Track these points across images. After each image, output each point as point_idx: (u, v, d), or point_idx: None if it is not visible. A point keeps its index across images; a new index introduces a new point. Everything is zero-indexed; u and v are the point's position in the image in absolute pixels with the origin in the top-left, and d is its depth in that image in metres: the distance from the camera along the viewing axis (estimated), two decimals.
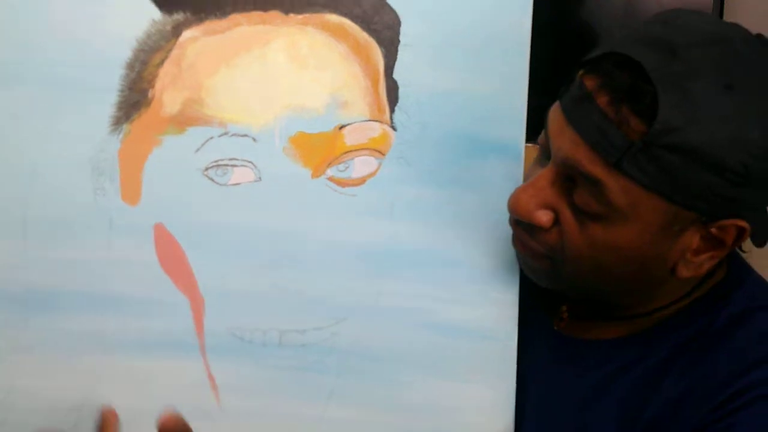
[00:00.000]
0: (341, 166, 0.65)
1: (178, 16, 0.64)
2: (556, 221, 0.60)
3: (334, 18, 0.65)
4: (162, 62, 0.64)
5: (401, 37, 0.65)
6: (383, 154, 0.65)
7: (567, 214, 0.59)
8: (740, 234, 0.60)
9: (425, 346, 0.66)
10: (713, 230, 0.59)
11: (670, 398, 0.64)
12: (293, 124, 0.65)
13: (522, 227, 0.62)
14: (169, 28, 0.64)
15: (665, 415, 0.64)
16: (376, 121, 0.65)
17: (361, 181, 0.66)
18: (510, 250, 0.65)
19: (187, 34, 0.64)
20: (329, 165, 0.65)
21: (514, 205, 0.61)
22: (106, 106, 0.64)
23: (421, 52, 0.64)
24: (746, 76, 0.56)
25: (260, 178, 0.65)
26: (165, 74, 0.64)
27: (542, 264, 0.63)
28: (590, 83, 0.56)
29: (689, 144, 0.54)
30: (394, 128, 0.65)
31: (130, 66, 0.65)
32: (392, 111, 0.65)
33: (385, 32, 0.65)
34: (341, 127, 0.65)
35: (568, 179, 0.59)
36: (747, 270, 0.68)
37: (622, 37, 0.58)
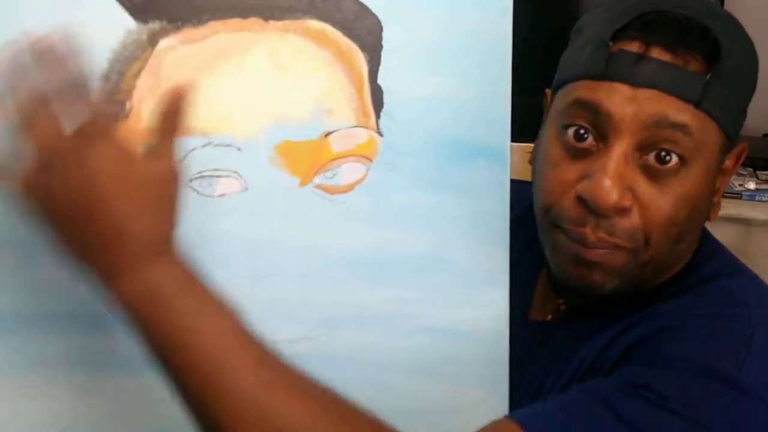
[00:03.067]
0: (328, 174, 0.64)
1: (154, 25, 0.61)
2: (633, 200, 0.59)
3: (315, 24, 0.63)
4: (139, 72, 0.61)
5: (384, 43, 0.63)
6: (370, 160, 0.64)
7: (645, 187, 0.59)
8: (740, 157, 0.64)
9: (418, 351, 0.64)
10: (726, 160, 0.62)
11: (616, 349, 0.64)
12: (278, 133, 0.62)
13: (601, 228, 0.59)
14: (144, 37, 0.61)
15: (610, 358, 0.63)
16: (362, 127, 0.63)
17: (349, 187, 0.64)
18: (499, 252, 0.65)
19: (163, 43, 0.62)
20: (316, 173, 0.63)
21: (599, 198, 0.57)
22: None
23: (405, 57, 0.63)
24: (728, 13, 0.63)
25: (246, 187, 0.62)
26: (143, 85, 0.61)
27: (619, 260, 0.60)
28: (633, 46, 0.58)
29: (742, 67, 0.60)
30: (380, 134, 0.64)
31: (106, 77, 0.61)
32: (378, 116, 0.64)
33: (368, 38, 0.63)
34: (327, 134, 0.63)
35: (641, 148, 0.58)
36: (718, 245, 0.69)
37: (633, 3, 0.60)
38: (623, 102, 0.58)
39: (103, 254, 0.51)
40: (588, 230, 0.60)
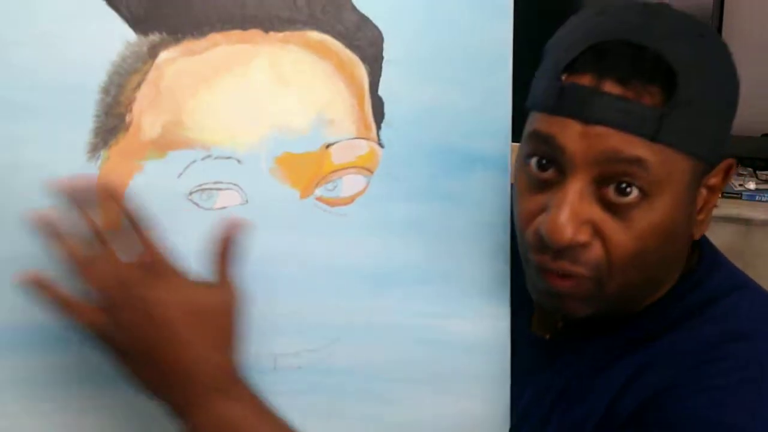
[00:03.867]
0: (329, 186, 0.63)
1: (154, 37, 0.61)
2: (593, 232, 0.57)
3: (315, 35, 0.63)
4: (139, 85, 0.61)
5: (385, 54, 0.63)
6: (372, 172, 0.63)
7: (605, 219, 0.57)
8: (728, 173, 0.62)
9: (420, 362, 0.63)
10: (709, 178, 0.61)
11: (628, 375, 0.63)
12: (279, 145, 0.62)
13: (563, 257, 0.58)
14: (145, 49, 0.61)
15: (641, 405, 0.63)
16: (363, 138, 0.63)
17: (351, 199, 0.63)
18: (500, 262, 0.65)
19: (164, 55, 0.61)
20: (317, 185, 0.63)
21: (554, 234, 0.56)
22: (82, 133, 0.61)
23: (406, 67, 0.62)
24: (701, 23, 0.61)
25: (247, 200, 0.62)
26: (143, 97, 0.61)
27: (586, 289, 0.59)
28: (585, 79, 0.56)
29: (705, 94, 0.57)
30: (381, 145, 0.63)
31: (106, 90, 0.61)
32: (379, 128, 0.63)
33: (369, 49, 0.63)
34: (328, 146, 0.63)
35: (599, 181, 0.57)
36: (718, 256, 0.68)
37: (584, 32, 0.59)
38: (575, 138, 0.56)
39: (173, 388, 0.54)
40: (549, 262, 0.59)
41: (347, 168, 0.62)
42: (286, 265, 0.62)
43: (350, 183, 0.63)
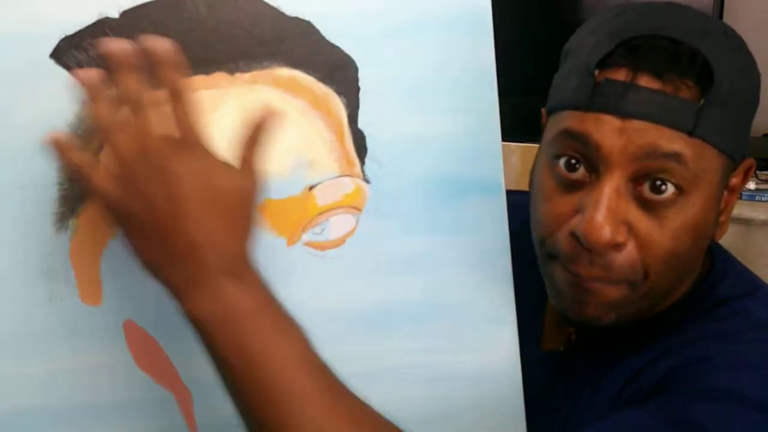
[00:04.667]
0: (317, 229, 0.60)
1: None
2: (628, 232, 0.56)
3: (285, 72, 0.58)
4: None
5: (361, 84, 0.59)
6: (360, 210, 0.59)
7: (640, 218, 0.56)
8: (748, 173, 0.61)
9: (430, 400, 0.60)
10: (732, 178, 0.59)
11: (649, 380, 0.62)
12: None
13: (597, 264, 0.56)
14: None
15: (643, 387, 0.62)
16: (347, 176, 0.59)
17: (341, 241, 0.60)
18: (503, 288, 0.62)
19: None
20: (304, 229, 0.59)
21: (592, 234, 0.54)
22: (47, 204, 0.57)
23: (385, 97, 0.58)
24: (721, 22, 0.60)
25: None
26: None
27: (617, 292, 0.58)
28: (620, 74, 0.55)
29: (737, 91, 0.56)
30: (367, 181, 0.60)
31: (76, 133, 0.57)
32: (363, 163, 0.59)
33: (344, 81, 0.58)
34: (311, 188, 0.59)
35: (634, 179, 0.55)
36: (730, 261, 0.66)
37: (613, 29, 0.57)
38: (612, 134, 0.54)
39: (180, 266, 0.49)
40: (581, 267, 0.57)
41: (334, 209, 0.59)
42: None
43: (338, 224, 0.59)
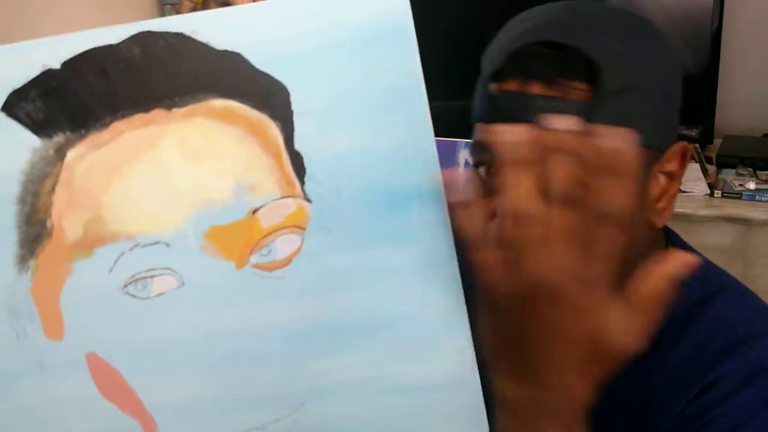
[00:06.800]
0: (264, 251, 0.61)
1: (59, 138, 0.59)
2: None
3: (219, 103, 0.60)
4: (53, 188, 0.59)
5: (294, 107, 0.61)
6: (303, 229, 0.60)
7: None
8: (683, 157, 0.61)
9: (391, 412, 0.60)
10: (664, 165, 0.59)
11: (643, 404, 0.62)
12: (204, 220, 0.59)
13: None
14: (51, 152, 0.59)
15: (642, 413, 0.62)
16: (289, 196, 0.60)
17: (288, 260, 0.61)
18: (453, 295, 0.61)
19: (71, 153, 0.59)
20: (251, 252, 0.60)
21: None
22: (8, 246, 0.60)
23: (318, 117, 0.59)
24: (631, 15, 0.59)
25: (183, 282, 0.59)
26: (59, 200, 0.59)
27: None
28: (513, 85, 0.56)
29: (637, 83, 0.56)
30: (308, 200, 0.60)
31: (22, 200, 0.59)
32: (302, 183, 0.61)
33: (277, 106, 0.60)
34: (254, 211, 0.60)
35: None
36: (697, 256, 0.67)
37: (511, 40, 0.58)
38: None
39: (528, 382, 0.45)
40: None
41: (278, 230, 0.60)
42: (234, 340, 0.60)
43: (284, 244, 0.60)
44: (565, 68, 0.55)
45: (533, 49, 0.56)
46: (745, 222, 1.69)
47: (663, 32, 0.60)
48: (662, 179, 0.60)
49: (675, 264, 0.43)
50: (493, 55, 0.60)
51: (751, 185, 1.80)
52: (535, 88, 0.56)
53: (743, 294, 0.65)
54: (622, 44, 0.57)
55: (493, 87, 0.58)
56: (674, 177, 0.60)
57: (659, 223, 0.60)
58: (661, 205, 0.60)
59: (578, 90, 0.55)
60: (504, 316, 0.45)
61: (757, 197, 1.76)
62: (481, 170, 0.61)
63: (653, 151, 0.58)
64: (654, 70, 0.58)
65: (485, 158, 0.59)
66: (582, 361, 0.45)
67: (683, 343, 0.62)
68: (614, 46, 0.56)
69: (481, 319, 0.48)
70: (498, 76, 0.58)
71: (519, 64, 0.56)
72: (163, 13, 2.48)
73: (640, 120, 0.57)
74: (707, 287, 0.64)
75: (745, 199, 1.76)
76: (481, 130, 0.60)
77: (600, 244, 0.41)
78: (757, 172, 1.86)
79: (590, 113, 0.54)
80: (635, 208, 0.58)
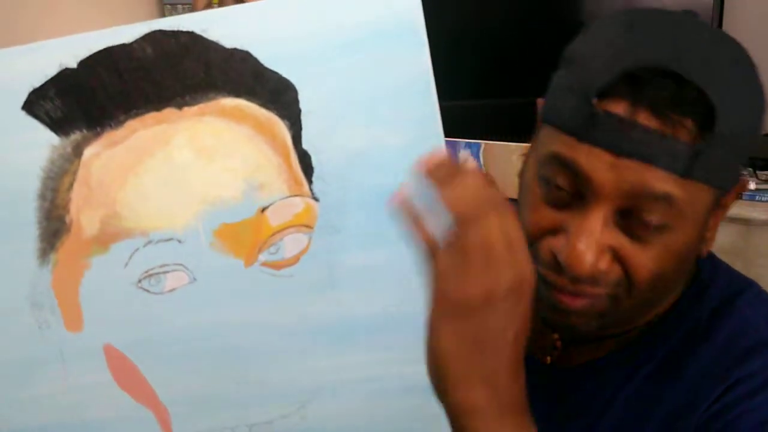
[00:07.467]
0: (272, 249, 0.61)
1: (76, 136, 0.61)
2: (614, 257, 0.55)
3: (229, 102, 0.60)
4: (71, 185, 0.61)
5: (302, 106, 0.60)
6: (311, 228, 0.60)
7: (625, 245, 0.55)
8: (740, 191, 0.59)
9: (397, 412, 0.60)
10: (726, 199, 0.57)
11: (672, 406, 0.61)
12: (215, 218, 0.60)
13: (583, 281, 0.56)
14: (69, 149, 0.61)
15: (669, 423, 0.61)
16: (297, 195, 0.60)
17: (295, 259, 0.61)
18: None
19: (88, 151, 0.61)
20: (260, 250, 0.61)
21: (574, 263, 0.54)
22: (29, 241, 0.62)
23: (326, 116, 0.58)
24: (729, 39, 0.56)
25: (195, 278, 0.60)
26: (77, 197, 0.61)
27: (601, 306, 0.57)
28: (619, 108, 0.52)
29: (740, 129, 0.53)
30: (316, 199, 0.60)
31: (42, 196, 0.62)
32: (310, 182, 0.60)
33: (285, 104, 0.59)
34: (263, 210, 0.60)
35: (623, 212, 0.54)
36: (716, 261, 0.63)
37: (618, 53, 0.54)
38: (604, 168, 0.53)
39: (482, 393, 0.47)
40: (565, 280, 0.56)
41: (286, 228, 0.60)
42: (243, 336, 0.61)
43: (292, 243, 0.60)
44: (681, 104, 0.51)
45: (649, 75, 0.52)
46: (745, 222, 1.68)
47: (752, 61, 0.56)
48: (719, 212, 0.58)
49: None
50: (595, 64, 0.54)
51: (751, 185, 1.76)
52: (644, 118, 0.52)
53: (764, 294, 0.62)
54: (734, 84, 0.53)
55: (597, 104, 0.53)
56: (726, 208, 0.58)
57: (705, 252, 0.59)
58: (709, 235, 0.58)
59: (687, 129, 0.52)
60: (464, 322, 0.46)
61: (757, 197, 1.73)
62: (550, 184, 0.56)
63: (719, 191, 0.56)
64: (754, 113, 0.56)
65: (562, 175, 0.55)
66: (520, 356, 0.47)
67: (709, 342, 0.60)
68: (728, 87, 0.53)
69: (442, 330, 0.47)
70: (605, 94, 0.53)
71: (632, 87, 0.52)
72: (163, 14, 2.45)
73: (734, 165, 0.56)
74: (732, 287, 0.61)
75: (745, 199, 1.73)
76: (568, 146, 0.54)
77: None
78: (757, 172, 1.83)
79: (694, 157, 0.52)
80: (697, 241, 0.57)
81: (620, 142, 0.52)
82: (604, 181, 0.53)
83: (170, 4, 2.03)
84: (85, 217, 0.60)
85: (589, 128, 0.53)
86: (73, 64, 0.60)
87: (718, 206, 0.57)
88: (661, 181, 0.52)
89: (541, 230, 0.57)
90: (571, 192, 0.55)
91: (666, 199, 0.53)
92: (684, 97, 0.51)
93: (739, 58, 0.56)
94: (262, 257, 0.60)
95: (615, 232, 0.55)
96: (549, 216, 0.57)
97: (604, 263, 0.55)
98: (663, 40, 0.54)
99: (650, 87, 0.52)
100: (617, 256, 0.55)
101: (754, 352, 0.58)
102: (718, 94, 0.51)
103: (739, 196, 0.60)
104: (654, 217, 0.53)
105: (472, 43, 1.86)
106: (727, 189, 0.57)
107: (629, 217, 0.54)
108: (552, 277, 0.57)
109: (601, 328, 0.60)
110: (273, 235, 0.60)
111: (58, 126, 0.60)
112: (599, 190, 0.53)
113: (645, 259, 0.55)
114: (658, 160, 0.52)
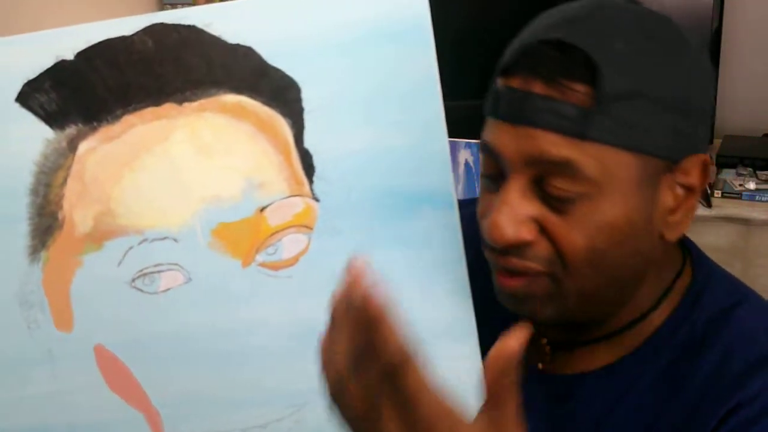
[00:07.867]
0: (270, 250, 0.60)
1: (71, 130, 0.59)
2: (540, 231, 0.55)
3: (230, 98, 0.59)
4: (65, 181, 0.59)
5: (304, 104, 0.59)
6: (311, 228, 0.59)
7: (548, 216, 0.55)
8: (704, 170, 0.58)
9: None
10: (681, 177, 0.57)
11: (672, 421, 0.60)
12: (212, 216, 0.58)
13: (511, 254, 0.56)
14: (64, 144, 0.59)
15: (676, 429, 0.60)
16: (297, 195, 0.59)
17: (294, 260, 0.60)
18: (461, 300, 0.60)
19: (83, 146, 0.59)
20: (258, 251, 0.59)
21: (494, 233, 0.55)
22: (19, 237, 0.60)
23: (329, 116, 0.58)
24: (649, 16, 0.57)
25: (190, 278, 0.59)
26: (70, 192, 0.59)
27: (542, 287, 0.57)
28: (516, 82, 0.54)
29: (646, 88, 0.54)
30: (316, 199, 0.59)
31: (34, 192, 0.60)
32: (311, 182, 0.59)
33: (287, 102, 0.58)
34: (262, 209, 0.59)
35: (536, 180, 0.54)
36: (711, 267, 0.62)
37: (526, 36, 0.56)
38: (508, 140, 0.54)
39: None
40: (497, 255, 0.57)
41: (285, 229, 0.59)
42: (239, 338, 0.59)
43: (291, 243, 0.59)
44: (567, 69, 0.53)
45: (540, 47, 0.54)
46: (745, 222, 1.68)
47: (682, 35, 0.56)
48: (679, 191, 0.56)
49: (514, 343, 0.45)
50: (510, 48, 0.58)
51: (751, 185, 1.78)
52: (537, 87, 0.54)
53: (763, 305, 0.62)
54: (628, 46, 0.54)
55: (500, 82, 0.56)
56: (693, 190, 0.57)
57: (670, 236, 0.57)
58: (674, 218, 0.57)
59: (578, 93, 0.53)
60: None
61: (757, 197, 1.75)
62: (488, 183, 0.57)
63: (663, 160, 0.55)
64: (664, 74, 0.55)
65: (488, 160, 0.57)
66: None
67: (708, 354, 0.59)
68: (618, 48, 0.53)
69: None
70: (506, 71, 0.56)
71: (526, 61, 0.55)
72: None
73: (647, 126, 0.55)
74: (729, 296, 0.61)
75: (745, 199, 1.75)
76: (486, 127, 0.57)
77: None
78: (757, 172, 1.84)
79: (587, 118, 0.52)
80: (638, 218, 0.56)
81: (516, 112, 0.54)
82: (509, 152, 0.55)
83: (170, 4, 2.00)
84: (78, 214, 0.59)
85: (495, 106, 0.56)
86: (70, 56, 0.58)
87: (674, 183, 0.57)
88: (556, 146, 0.53)
89: (482, 216, 0.58)
90: (496, 173, 0.57)
91: (567, 164, 0.53)
92: (572, 63, 0.53)
93: (652, 27, 0.56)
94: (260, 258, 0.59)
95: (535, 202, 0.55)
96: (485, 203, 0.58)
97: (527, 233, 0.55)
98: (564, 17, 0.56)
99: (542, 59, 0.54)
100: (544, 230, 0.55)
101: (755, 370, 0.57)
102: (604, 55, 0.53)
103: (704, 176, 0.58)
104: (562, 184, 0.54)
105: (474, 43, 1.85)
106: (663, 156, 0.56)
107: (544, 187, 0.55)
108: (488, 256, 0.58)
109: (561, 316, 0.59)
110: (272, 235, 0.59)
111: (52, 119, 0.59)
112: (509, 163, 0.55)
113: (571, 231, 0.55)
114: (549, 124, 0.53)
